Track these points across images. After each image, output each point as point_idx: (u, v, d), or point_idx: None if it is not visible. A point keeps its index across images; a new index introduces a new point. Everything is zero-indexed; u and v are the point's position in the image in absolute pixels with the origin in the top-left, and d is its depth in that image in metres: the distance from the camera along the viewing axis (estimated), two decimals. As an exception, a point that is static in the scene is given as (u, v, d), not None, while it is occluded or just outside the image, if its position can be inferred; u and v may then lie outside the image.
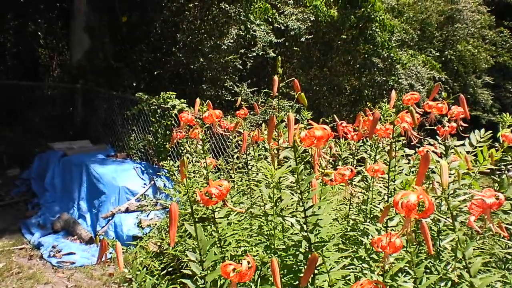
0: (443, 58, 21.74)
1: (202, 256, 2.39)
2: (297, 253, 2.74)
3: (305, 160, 2.55)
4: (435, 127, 3.59)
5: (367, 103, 4.38)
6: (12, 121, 12.25)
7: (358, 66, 15.60)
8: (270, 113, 10.90)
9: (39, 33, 14.99)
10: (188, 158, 5.59)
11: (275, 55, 12.71)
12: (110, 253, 2.79)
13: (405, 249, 2.61)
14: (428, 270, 3.02)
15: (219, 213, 3.00)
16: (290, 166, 2.50)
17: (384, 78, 15.17)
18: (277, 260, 2.10)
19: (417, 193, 1.91)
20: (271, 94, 3.01)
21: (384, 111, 3.66)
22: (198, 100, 3.75)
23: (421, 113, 3.57)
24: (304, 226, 2.57)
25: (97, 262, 5.34)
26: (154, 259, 5.57)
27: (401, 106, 3.37)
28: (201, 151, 4.08)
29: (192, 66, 12.43)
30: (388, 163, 3.31)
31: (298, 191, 2.47)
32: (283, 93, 3.23)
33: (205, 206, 3.82)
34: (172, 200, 6.62)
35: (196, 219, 2.31)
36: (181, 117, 3.98)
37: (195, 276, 3.18)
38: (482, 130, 3.62)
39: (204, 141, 3.29)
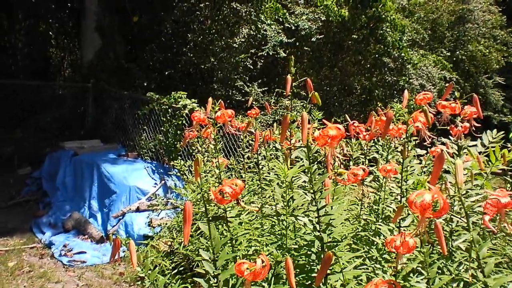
0: (454, 58, 21.64)
1: (215, 255, 2.39)
2: (309, 252, 2.74)
3: (317, 160, 2.55)
4: (448, 127, 3.57)
5: (378, 103, 4.38)
6: (23, 120, 12.31)
7: (368, 66, 15.57)
8: (281, 113, 10.90)
9: (50, 33, 15.06)
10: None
11: (285, 55, 12.71)
12: (124, 251, 2.80)
13: (417, 249, 2.61)
14: (440, 271, 3.02)
15: (230, 212, 3.01)
16: (302, 165, 2.50)
17: (395, 78, 15.12)
18: (291, 259, 2.10)
19: (432, 192, 1.90)
20: (283, 93, 3.01)
21: (396, 111, 3.65)
22: (210, 99, 3.75)
23: (434, 113, 3.55)
24: (317, 225, 2.57)
25: (110, 260, 5.35)
26: (165, 258, 5.59)
27: (413, 106, 3.37)
28: (213, 151, 4.09)
29: (202, 66, 12.45)
30: (400, 163, 3.30)
31: (311, 191, 2.47)
32: (294, 93, 3.23)
33: (217, 206, 3.85)
34: (184, 200, 6.64)
35: (210, 218, 2.32)
36: (193, 117, 3.99)
37: (206, 275, 3.20)
38: (494, 131, 3.61)
39: (216, 140, 3.30)
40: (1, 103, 11.99)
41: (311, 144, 2.32)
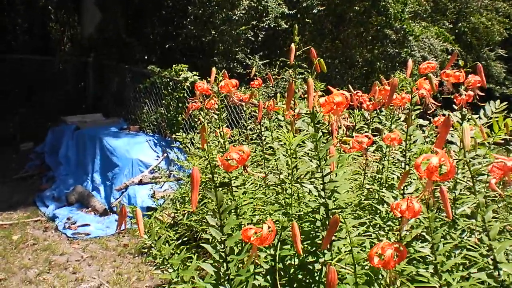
0: (456, 30, 21.48)
1: (222, 221, 2.41)
2: (314, 219, 2.76)
3: (321, 130, 2.56)
4: (452, 96, 3.57)
5: (380, 75, 4.37)
6: (24, 95, 12.29)
7: (370, 38, 15.46)
8: (283, 85, 10.88)
9: (50, 7, 14.94)
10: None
11: (287, 26, 12.62)
12: (130, 220, 2.82)
13: (421, 215, 2.63)
14: (442, 239, 3.04)
15: (236, 180, 3.02)
16: (308, 133, 2.50)
17: (397, 50, 15.01)
18: (297, 224, 2.12)
19: (439, 155, 1.91)
20: (285, 66, 2.99)
21: (400, 81, 3.64)
22: (214, 69, 3.74)
23: (437, 82, 3.54)
24: (322, 192, 2.58)
25: (117, 229, 5.40)
26: (169, 229, 5.63)
27: (415, 79, 3.35)
28: (217, 121, 4.09)
29: (203, 39, 12.37)
30: (404, 132, 3.31)
31: (316, 158, 2.48)
32: (296, 65, 3.20)
33: (221, 176, 3.86)
34: (186, 172, 6.67)
35: (217, 184, 2.33)
36: (197, 87, 3.98)
37: (212, 243, 3.22)
38: (497, 101, 3.60)
39: (220, 109, 3.29)
40: (2, 79, 11.98)
41: (317, 110, 2.32)
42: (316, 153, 2.47)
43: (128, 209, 2.66)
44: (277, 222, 2.52)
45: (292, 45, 2.88)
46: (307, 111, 2.35)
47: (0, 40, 13.77)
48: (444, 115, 3.81)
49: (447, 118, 2.07)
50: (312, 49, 2.94)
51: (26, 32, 14.64)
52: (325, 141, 2.53)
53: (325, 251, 2.63)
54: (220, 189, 2.39)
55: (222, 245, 2.43)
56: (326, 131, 2.67)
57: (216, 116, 4.04)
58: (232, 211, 3.18)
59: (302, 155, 2.80)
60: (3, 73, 11.99)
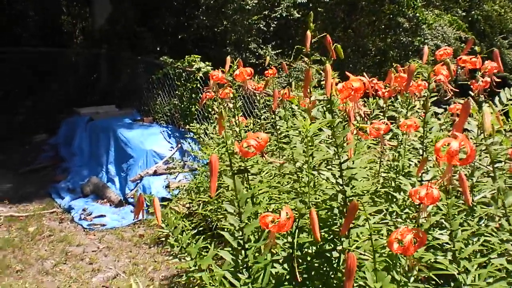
0: (470, 18, 21.28)
1: (241, 208, 2.41)
2: (331, 207, 2.75)
3: (338, 117, 2.54)
4: (469, 83, 3.54)
5: (393, 64, 4.33)
6: (37, 88, 12.36)
7: (383, 27, 15.36)
8: (295, 75, 10.83)
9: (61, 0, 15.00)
10: (216, 118, 5.61)
11: (299, 16, 12.55)
12: (151, 212, 2.82)
13: (439, 202, 2.61)
14: (459, 226, 3.02)
15: (253, 168, 3.02)
16: (325, 119, 2.49)
17: (410, 39, 14.90)
18: (315, 211, 2.12)
19: (459, 139, 1.89)
20: (303, 50, 2.97)
21: (418, 66, 3.60)
22: (228, 58, 3.73)
23: (455, 69, 3.51)
24: (340, 179, 2.57)
25: (134, 218, 5.41)
26: (184, 219, 5.66)
27: (431, 63, 3.32)
28: (232, 110, 4.08)
29: (215, 29, 12.35)
30: (421, 119, 3.29)
31: (334, 145, 2.47)
32: (309, 54, 3.17)
33: (236, 164, 3.86)
34: (201, 162, 6.68)
35: (235, 171, 2.33)
36: (211, 75, 3.98)
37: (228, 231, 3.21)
38: (512, 88, 3.56)
39: (236, 98, 3.29)
40: (16, 71, 12.05)
41: (335, 96, 2.31)
42: (334, 140, 2.46)
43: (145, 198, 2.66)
44: (294, 210, 2.51)
45: (308, 32, 2.86)
46: (324, 97, 2.34)
47: (12, 32, 13.86)
48: (461, 102, 3.79)
49: (467, 101, 2.05)
50: (327, 36, 2.92)
51: (38, 24, 14.70)
52: (342, 128, 2.51)
53: (343, 238, 2.62)
54: (238, 176, 2.39)
55: (240, 232, 2.43)
56: (341, 119, 2.65)
57: (231, 105, 4.03)
58: (248, 199, 3.17)
59: (318, 143, 2.79)
60: (15, 65, 12.07)
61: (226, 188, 5.16)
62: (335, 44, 2.50)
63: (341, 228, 2.17)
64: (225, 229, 2.69)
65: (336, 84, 2.44)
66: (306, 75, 2.40)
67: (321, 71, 2.32)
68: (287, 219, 2.11)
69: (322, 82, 2.63)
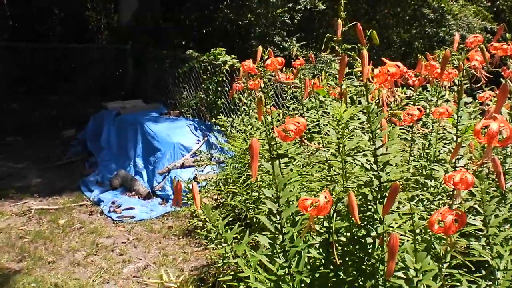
0: (495, 9, 21.00)
1: (279, 192, 2.45)
2: (364, 193, 2.78)
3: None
4: (500, 70, 3.53)
5: (418, 55, 4.30)
6: (65, 84, 12.52)
7: (407, 18, 15.25)
8: (320, 67, 10.81)
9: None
10: (244, 110, 5.65)
11: (324, 7, 12.53)
12: (186, 200, 2.88)
13: (473, 188, 2.62)
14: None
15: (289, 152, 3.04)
16: (359, 105, 2.52)
17: (435, 30, 14.79)
18: (353, 194, 2.14)
19: (498, 121, 1.91)
20: (334, 38, 2.98)
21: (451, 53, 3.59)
22: (260, 48, 3.75)
23: (489, 55, 3.49)
24: (375, 165, 2.59)
25: (173, 204, 5.46)
26: (214, 210, 5.70)
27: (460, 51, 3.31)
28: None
29: (240, 23, 12.39)
30: (452, 107, 3.29)
31: (369, 130, 2.50)
32: (339, 42, 3.16)
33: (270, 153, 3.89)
34: (228, 154, 6.73)
35: (274, 155, 2.37)
36: (242, 65, 4.01)
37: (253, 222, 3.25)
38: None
39: (268, 87, 3.32)
40: (44, 67, 12.21)
41: (371, 82, 2.33)
42: (369, 125, 2.48)
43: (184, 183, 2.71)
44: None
45: (339, 20, 2.88)
46: (359, 83, 2.37)
47: (38, 29, 14.03)
48: (491, 90, 3.80)
49: (505, 84, 2.07)
50: (358, 24, 2.93)
51: (63, 21, 14.87)
52: (376, 114, 2.53)
53: (378, 224, 2.64)
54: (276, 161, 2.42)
55: (278, 216, 2.47)
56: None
57: (261, 95, 4.06)
58: (287, 184, 3.20)
59: (352, 129, 2.81)
60: (43, 62, 12.22)
61: (255, 179, 5.22)
62: (371, 30, 2.51)
63: (382, 210, 2.20)
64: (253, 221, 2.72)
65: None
66: (342, 62, 2.43)
67: (357, 58, 2.34)
68: (326, 203, 2.14)
69: (355, 70, 2.66)
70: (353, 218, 2.26)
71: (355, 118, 2.82)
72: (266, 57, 3.76)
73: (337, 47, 2.82)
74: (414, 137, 3.99)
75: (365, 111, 2.47)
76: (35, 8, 14.25)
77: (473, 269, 2.85)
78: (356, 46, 2.63)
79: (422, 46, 14.92)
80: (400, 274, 2.33)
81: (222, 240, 2.85)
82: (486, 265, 2.87)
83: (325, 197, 2.14)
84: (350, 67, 2.73)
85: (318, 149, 3.58)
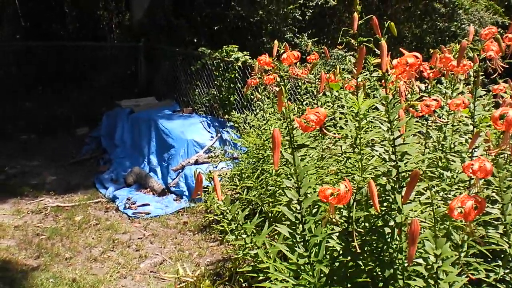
0: (506, 3, 20.86)
1: (299, 182, 2.48)
2: (382, 184, 2.80)
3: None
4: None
5: (429, 50, 4.30)
6: (77, 82, 12.57)
7: (419, 12, 15.18)
8: (332, 63, 10.83)
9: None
10: (259, 105, 5.69)
11: (335, 3, 12.52)
12: (203, 196, 2.92)
13: (490, 177, 2.65)
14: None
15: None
16: (377, 97, 2.55)
17: (446, 24, 14.71)
18: (374, 183, 2.18)
19: (516, 108, 1.93)
20: (350, 32, 3.01)
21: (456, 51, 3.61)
22: (276, 42, 3.79)
23: (505, 46, 3.50)
24: (393, 156, 2.62)
25: (193, 196, 5.48)
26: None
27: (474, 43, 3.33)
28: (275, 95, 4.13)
29: (251, 19, 12.38)
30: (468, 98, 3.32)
31: (387, 121, 2.53)
32: (354, 36, 3.18)
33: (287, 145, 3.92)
34: (242, 150, 6.77)
35: (295, 146, 2.41)
36: (258, 60, 4.04)
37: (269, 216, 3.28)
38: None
39: (285, 80, 3.34)
40: (55, 66, 12.27)
41: (390, 73, 2.36)
42: (387, 116, 2.51)
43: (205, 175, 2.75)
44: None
45: (355, 14, 2.92)
46: (378, 74, 2.39)
47: (50, 28, 14.10)
48: (506, 82, 3.82)
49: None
50: (374, 18, 2.96)
51: (74, 19, 14.93)
52: (394, 105, 2.56)
53: (396, 213, 2.67)
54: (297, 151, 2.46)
55: (299, 206, 2.50)
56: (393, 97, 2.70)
57: (277, 89, 4.09)
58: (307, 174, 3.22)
59: (370, 121, 2.85)
60: (55, 60, 12.27)
61: (270, 173, 5.26)
62: (389, 21, 2.54)
63: (403, 198, 2.23)
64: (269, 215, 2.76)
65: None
66: (360, 53, 2.46)
67: (375, 49, 2.37)
68: (347, 192, 2.17)
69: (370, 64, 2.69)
70: (373, 207, 2.29)
71: (371, 110, 2.85)
72: (282, 51, 3.79)
73: (353, 41, 2.85)
74: (429, 130, 4.01)
75: (383, 102, 2.50)
76: (46, 7, 14.31)
77: (490, 258, 2.87)
78: (371, 39, 2.66)
79: (433, 40, 14.83)
80: (420, 260, 2.36)
81: (242, 231, 2.89)
82: (503, 255, 2.89)
83: (346, 186, 2.18)
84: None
85: (336, 140, 3.60)
